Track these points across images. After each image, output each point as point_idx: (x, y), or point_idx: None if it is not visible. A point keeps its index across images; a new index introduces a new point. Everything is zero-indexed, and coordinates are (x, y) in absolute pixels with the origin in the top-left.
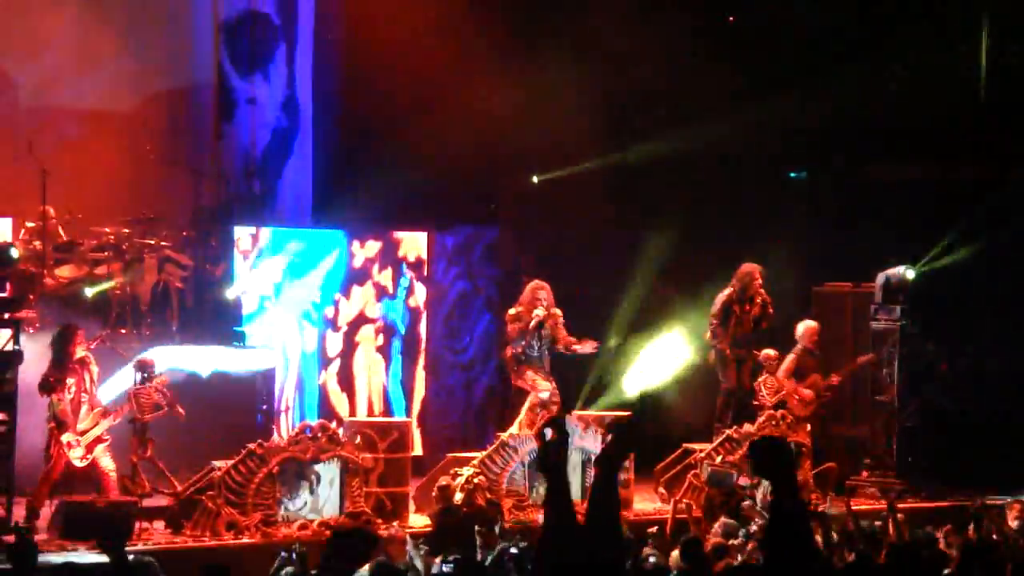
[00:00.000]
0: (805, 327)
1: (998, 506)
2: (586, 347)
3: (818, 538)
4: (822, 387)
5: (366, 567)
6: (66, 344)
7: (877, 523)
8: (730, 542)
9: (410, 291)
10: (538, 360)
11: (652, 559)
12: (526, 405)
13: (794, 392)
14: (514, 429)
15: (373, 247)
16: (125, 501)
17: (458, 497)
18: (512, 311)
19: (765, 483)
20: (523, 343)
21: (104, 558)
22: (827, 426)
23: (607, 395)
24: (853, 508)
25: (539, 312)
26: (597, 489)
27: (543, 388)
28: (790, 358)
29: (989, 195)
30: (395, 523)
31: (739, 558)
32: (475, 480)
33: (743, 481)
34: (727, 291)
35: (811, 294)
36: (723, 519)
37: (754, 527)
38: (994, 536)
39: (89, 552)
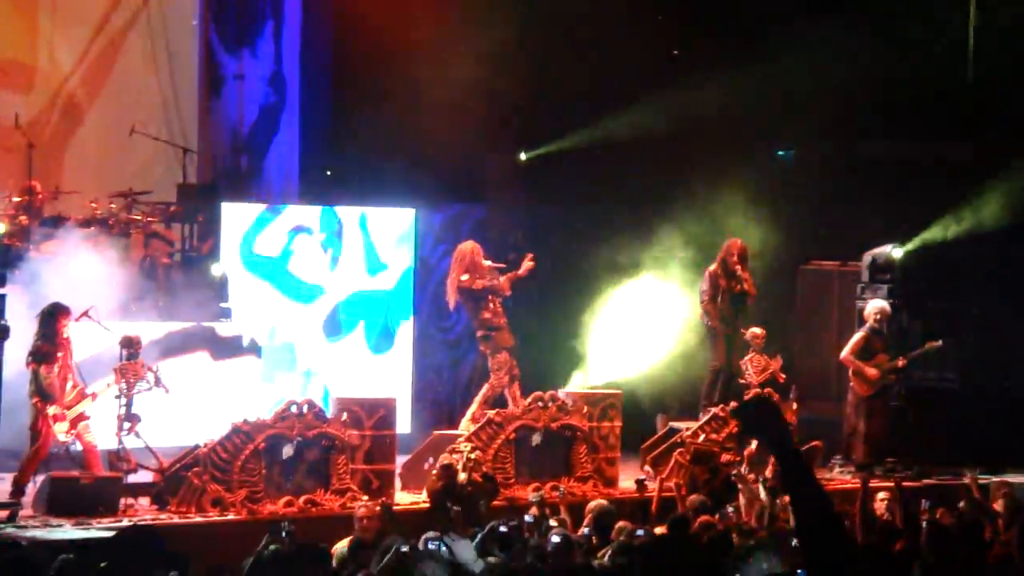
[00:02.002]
0: (873, 306)
1: (983, 486)
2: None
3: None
4: (887, 368)
5: (343, 543)
6: (55, 320)
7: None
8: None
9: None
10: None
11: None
12: (479, 397)
13: (859, 371)
14: (466, 422)
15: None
16: (110, 477)
17: (462, 477)
18: (465, 277)
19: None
20: (494, 305)
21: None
22: (811, 405)
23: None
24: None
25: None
26: None
27: (503, 382)
28: (857, 336)
29: (977, 173)
30: (364, 498)
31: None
32: (472, 455)
33: (726, 458)
34: (712, 267)
35: (797, 272)
36: (693, 496)
37: (730, 509)
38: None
39: (74, 528)
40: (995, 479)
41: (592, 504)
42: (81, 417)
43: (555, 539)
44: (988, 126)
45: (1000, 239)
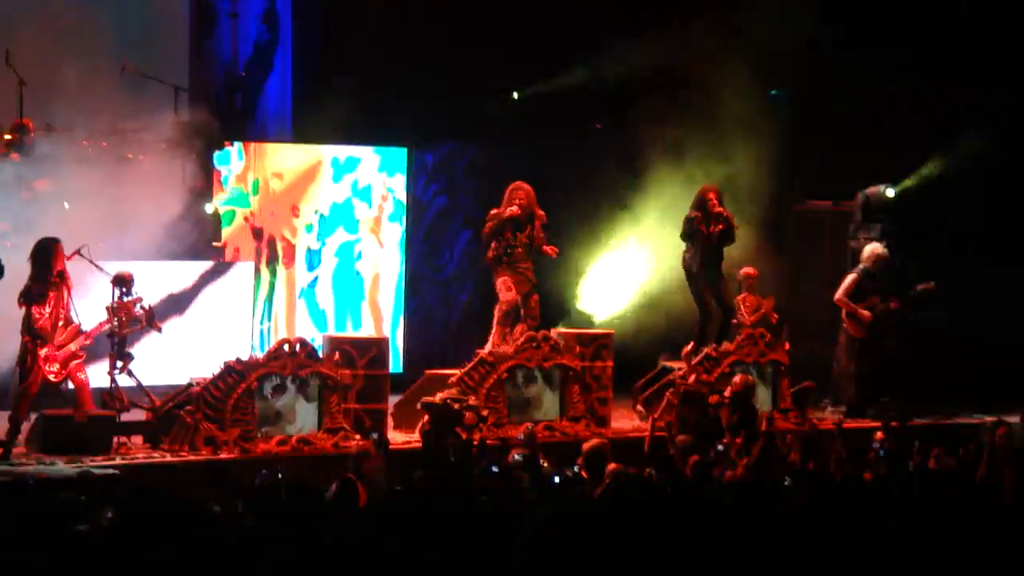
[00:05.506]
0: (871, 249)
1: (977, 426)
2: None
3: None
4: (880, 310)
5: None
6: (48, 257)
7: None
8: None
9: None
10: (517, 262)
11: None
12: (495, 318)
13: (853, 312)
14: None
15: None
16: (103, 415)
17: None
18: (493, 211)
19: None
20: (500, 242)
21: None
22: (803, 344)
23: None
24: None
25: (513, 208)
26: None
27: (507, 298)
28: (850, 277)
29: (971, 113)
30: (357, 438)
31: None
32: (468, 399)
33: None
34: (691, 213)
35: (790, 212)
36: (680, 437)
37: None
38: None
39: (67, 466)
40: (989, 420)
41: (588, 443)
42: (74, 356)
43: (555, 479)
44: (981, 63)
45: (992, 178)
